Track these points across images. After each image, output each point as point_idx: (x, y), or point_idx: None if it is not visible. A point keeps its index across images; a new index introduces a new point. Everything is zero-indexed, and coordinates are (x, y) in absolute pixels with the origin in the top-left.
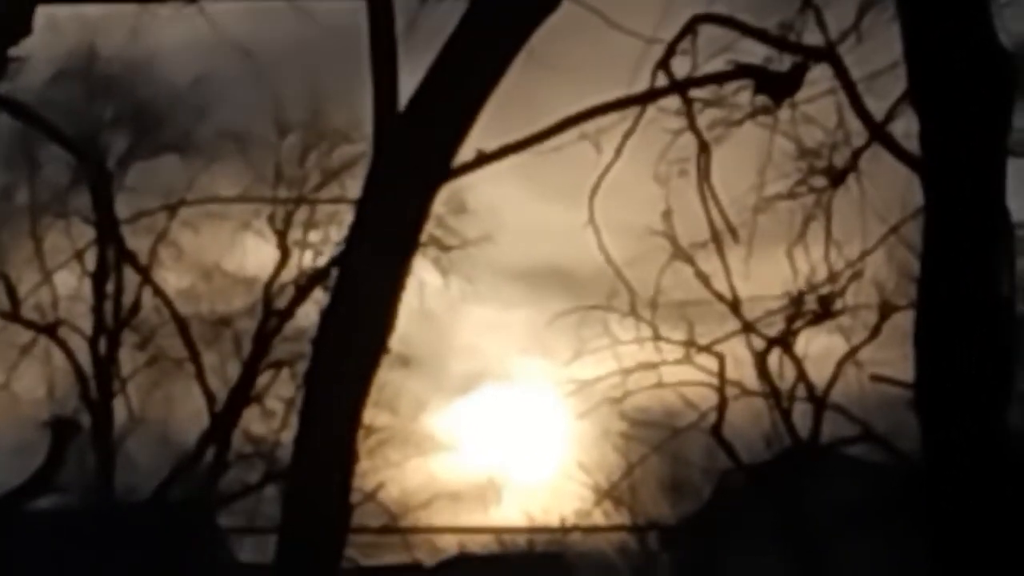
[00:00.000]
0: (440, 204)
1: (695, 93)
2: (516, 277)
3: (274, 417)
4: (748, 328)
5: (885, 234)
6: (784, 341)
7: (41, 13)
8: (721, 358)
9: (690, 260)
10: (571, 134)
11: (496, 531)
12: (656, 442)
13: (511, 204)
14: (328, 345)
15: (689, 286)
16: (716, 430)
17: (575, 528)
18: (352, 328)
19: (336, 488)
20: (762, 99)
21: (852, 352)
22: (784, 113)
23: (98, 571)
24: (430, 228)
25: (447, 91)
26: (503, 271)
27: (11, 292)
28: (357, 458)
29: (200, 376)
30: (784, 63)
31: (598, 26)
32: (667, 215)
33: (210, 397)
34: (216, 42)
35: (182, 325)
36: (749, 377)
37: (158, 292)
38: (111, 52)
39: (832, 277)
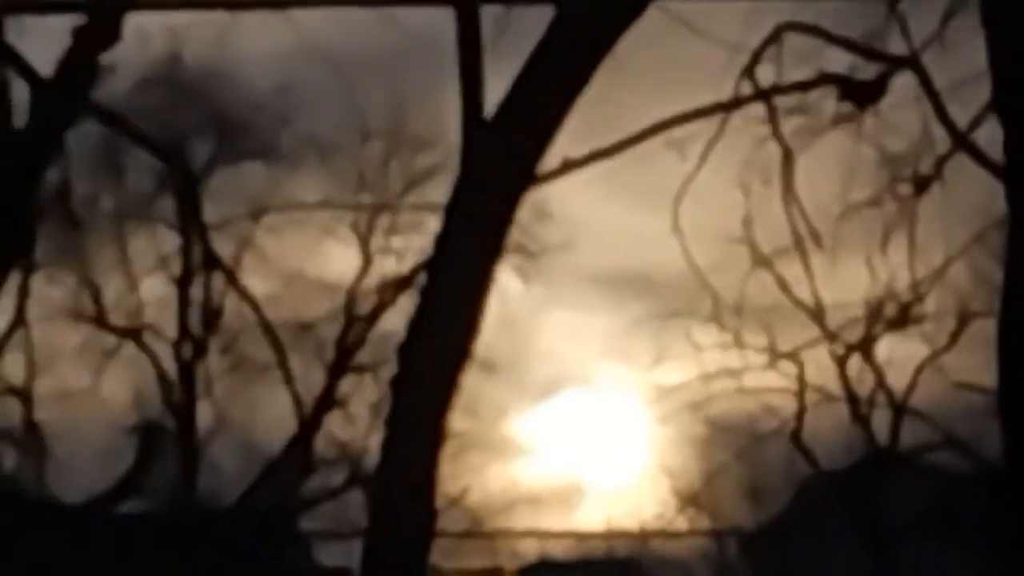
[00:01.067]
0: (524, 210)
1: (779, 101)
2: (597, 282)
3: (357, 422)
4: (828, 334)
5: (969, 242)
6: (864, 347)
7: (129, 21)
8: (801, 364)
9: (771, 267)
10: (656, 141)
11: (577, 536)
12: (736, 448)
13: (593, 210)
14: (414, 351)
15: (770, 293)
16: (796, 436)
17: (655, 533)
18: (438, 334)
19: (421, 493)
20: (846, 107)
21: (932, 358)
22: (868, 121)
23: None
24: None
25: (533, 98)
26: (585, 277)
27: (97, 298)
28: (441, 463)
29: (288, 381)
30: (868, 71)
31: (683, 33)
32: (747, 222)
33: (297, 402)
34: (300, 49)
35: (269, 329)
36: (829, 383)
37: (245, 296)
38: (197, 59)
39: (914, 284)
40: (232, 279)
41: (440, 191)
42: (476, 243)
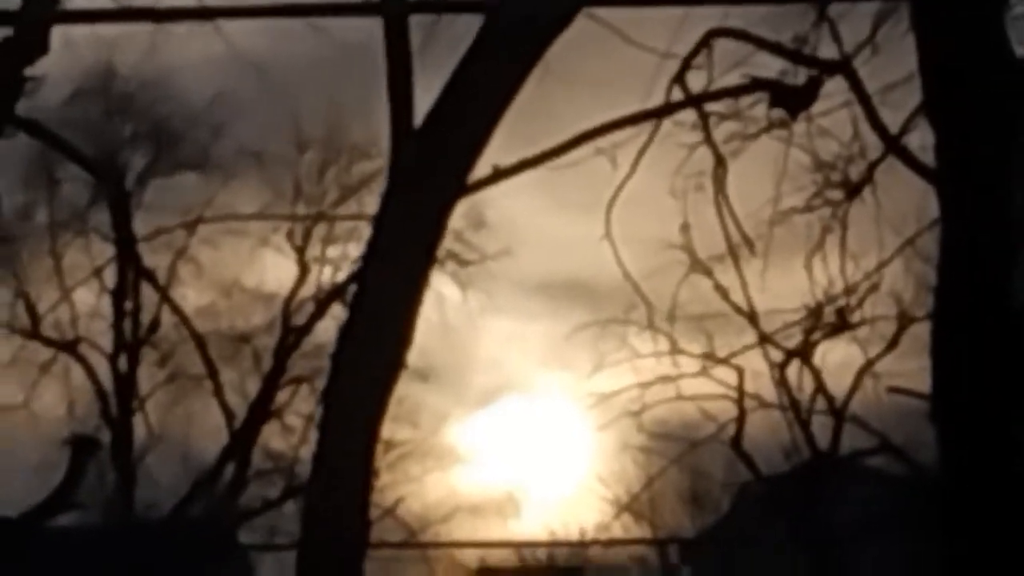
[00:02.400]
0: (459, 219)
1: (711, 107)
2: (535, 290)
3: (294, 433)
4: (766, 340)
5: (901, 246)
6: (802, 353)
7: (57, 32)
8: (740, 371)
9: (708, 273)
10: (587, 148)
11: (516, 545)
12: (675, 455)
13: (530, 218)
14: (345, 361)
15: (707, 299)
16: (735, 442)
17: (595, 541)
18: (369, 344)
19: (355, 503)
20: (777, 112)
21: (870, 364)
22: (799, 126)
23: None
24: (449, 243)
25: (463, 107)
26: (522, 284)
27: (31, 310)
28: (376, 473)
29: (218, 393)
30: (799, 76)
31: (614, 41)
32: (685, 228)
33: (228, 414)
34: (233, 59)
35: (200, 342)
36: (768, 389)
37: (176, 310)
38: (129, 70)
39: (849, 289)
40: (163, 292)
41: (376, 200)
42: (406, 252)
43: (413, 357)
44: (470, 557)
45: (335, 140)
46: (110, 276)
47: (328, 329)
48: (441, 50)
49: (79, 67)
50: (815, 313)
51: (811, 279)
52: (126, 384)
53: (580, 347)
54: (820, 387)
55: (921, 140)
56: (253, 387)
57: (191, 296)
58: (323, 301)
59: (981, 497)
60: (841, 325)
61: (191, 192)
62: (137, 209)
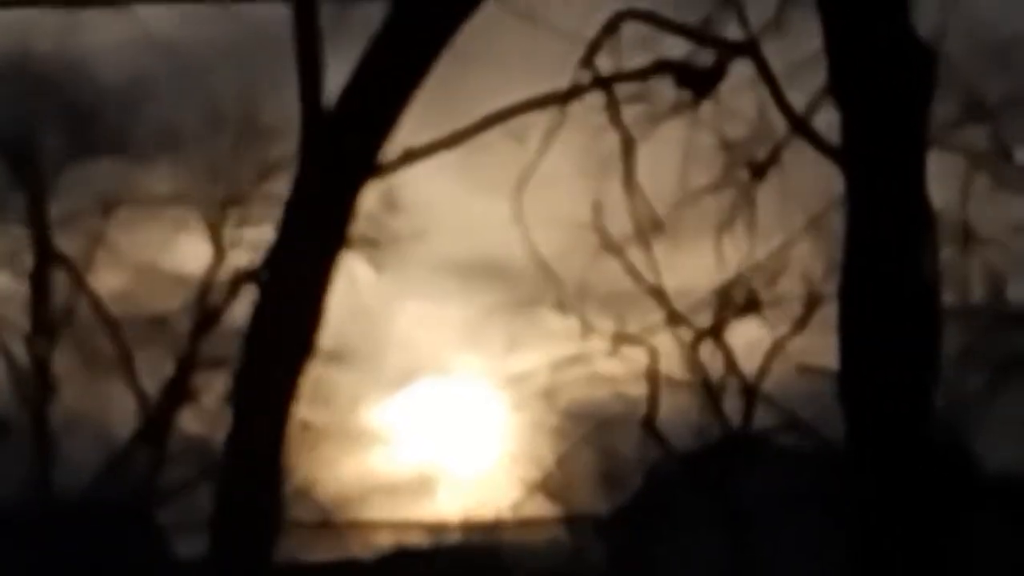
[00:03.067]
0: (372, 201)
1: (619, 89)
2: (449, 271)
3: (209, 415)
4: (677, 319)
5: (805, 225)
6: (713, 332)
7: None
8: (651, 350)
9: (618, 253)
10: (498, 131)
11: (431, 526)
12: (588, 434)
13: (444, 200)
14: (257, 343)
15: (618, 279)
16: (647, 421)
17: (509, 521)
18: (280, 326)
19: (268, 484)
20: (685, 94)
21: (780, 342)
22: (707, 107)
23: (35, 570)
24: (362, 225)
25: (372, 89)
26: (436, 266)
27: None
28: (289, 454)
29: (131, 376)
30: (706, 58)
31: (522, 24)
32: (595, 209)
33: (141, 396)
34: (148, 43)
35: (114, 326)
36: (680, 368)
37: (90, 293)
38: (43, 54)
39: (758, 268)
40: (76, 275)
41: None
42: (316, 235)
43: (328, 339)
44: (385, 537)
45: (250, 123)
46: (26, 260)
47: (243, 312)
48: (350, 34)
49: None
50: (725, 292)
51: (720, 259)
52: (42, 367)
53: (494, 328)
54: (731, 366)
55: (827, 120)
56: (170, 370)
57: (108, 279)
58: (237, 283)
59: (887, 473)
60: (751, 304)
61: (107, 175)
62: (53, 193)
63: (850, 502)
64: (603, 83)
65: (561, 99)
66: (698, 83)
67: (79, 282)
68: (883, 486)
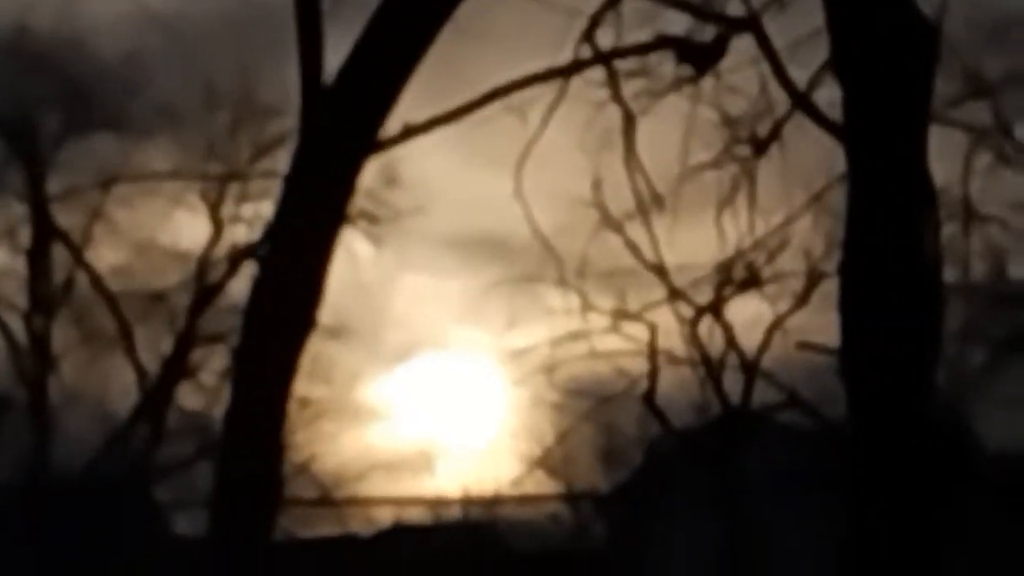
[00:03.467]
0: (371, 176)
1: (619, 64)
2: (449, 247)
3: (208, 391)
4: (677, 296)
5: (807, 202)
6: (713, 308)
7: None
8: (651, 326)
9: (619, 229)
10: (498, 106)
11: (430, 502)
12: (588, 410)
13: (444, 175)
14: (257, 319)
15: (618, 255)
16: (647, 398)
17: (509, 497)
18: (280, 302)
19: (267, 460)
20: (685, 69)
21: (780, 319)
22: (708, 83)
23: (35, 545)
24: (362, 201)
25: (373, 64)
26: (436, 241)
27: None
28: (289, 430)
29: (131, 351)
30: (707, 33)
31: None
32: (595, 185)
33: (141, 372)
34: (146, 19)
35: (113, 302)
36: (679, 345)
37: (88, 269)
38: (42, 30)
39: (759, 245)
40: (76, 251)
41: (289, 159)
42: (317, 210)
43: (327, 315)
44: (385, 514)
45: (248, 99)
46: (25, 236)
47: (242, 288)
48: (352, 9)
49: None
50: (725, 269)
51: (721, 235)
52: (41, 343)
53: (494, 304)
54: (731, 342)
55: (829, 96)
56: (168, 346)
57: (106, 255)
58: (236, 259)
59: (888, 451)
60: (751, 281)
61: (105, 151)
62: (51, 169)
63: (849, 479)
64: (603, 58)
65: (562, 74)
66: (699, 58)
67: (78, 258)
68: (882, 463)
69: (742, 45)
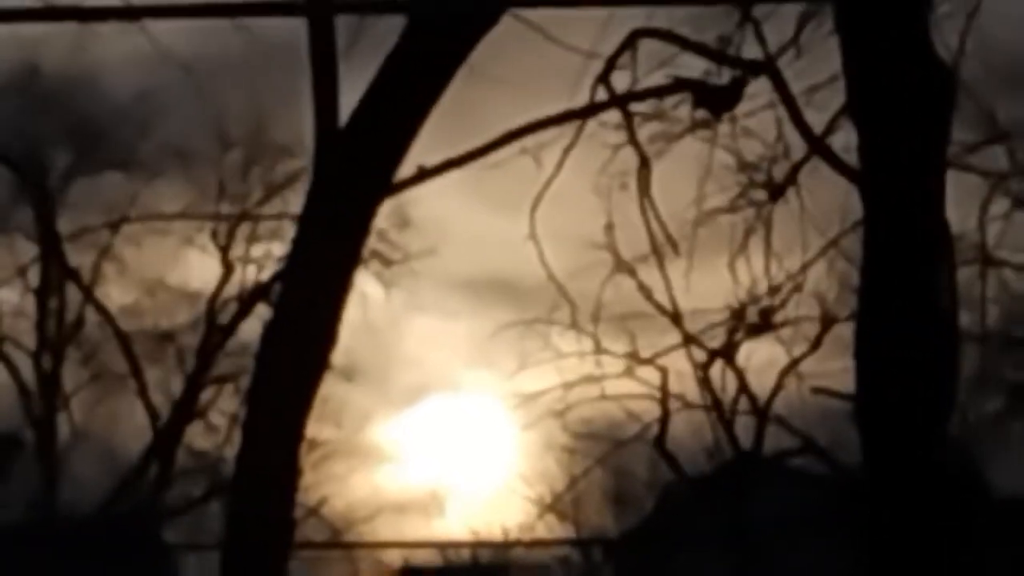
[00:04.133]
0: (383, 218)
1: (635, 107)
2: (460, 289)
3: (218, 432)
4: (690, 340)
5: (824, 247)
6: (726, 353)
7: None
8: (664, 370)
9: (632, 273)
10: (512, 148)
11: (440, 545)
12: (599, 454)
13: (456, 217)
14: (270, 360)
15: (631, 299)
16: (659, 442)
17: (519, 541)
18: (294, 343)
19: (278, 503)
20: (702, 113)
21: (793, 364)
22: (724, 127)
23: None
24: (373, 242)
25: (388, 107)
26: (447, 283)
27: None
28: (300, 472)
29: (142, 391)
30: (724, 77)
31: (539, 41)
32: (609, 228)
33: (152, 412)
34: (159, 58)
35: (124, 340)
36: (691, 389)
37: (100, 308)
38: (53, 69)
39: (773, 289)
40: (87, 290)
41: (300, 200)
42: (331, 252)
43: (337, 356)
44: (394, 556)
45: (259, 139)
46: (34, 275)
47: (252, 328)
48: (366, 50)
49: (2, 66)
50: (739, 313)
51: (735, 279)
52: (50, 382)
53: (504, 346)
54: (743, 387)
55: (845, 141)
56: (178, 386)
57: (115, 295)
58: (247, 300)
59: (903, 497)
60: (764, 325)
61: (116, 191)
62: (61, 208)
63: (864, 526)
64: (619, 101)
65: (577, 117)
66: (715, 102)
67: (88, 297)
68: (897, 510)
69: (759, 89)
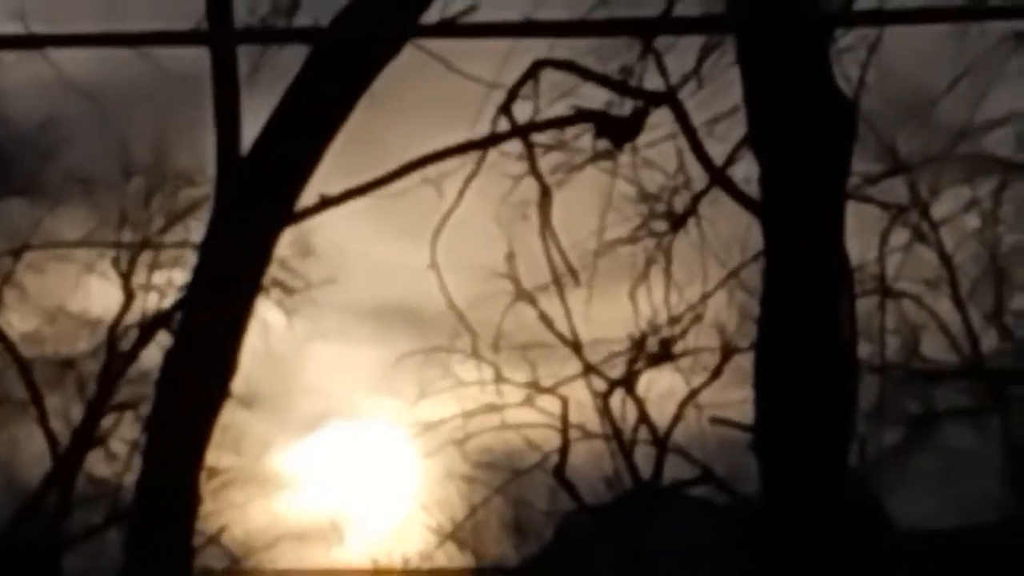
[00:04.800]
0: (285, 246)
1: (537, 137)
2: (362, 317)
3: (118, 459)
4: (590, 369)
5: (724, 278)
6: (626, 382)
7: None
8: (564, 400)
9: (533, 302)
10: (415, 177)
11: (340, 573)
12: (499, 483)
13: (358, 245)
14: (170, 388)
15: (532, 328)
16: (559, 471)
17: (419, 570)
18: (195, 371)
19: (178, 530)
20: (603, 143)
21: (693, 394)
22: (625, 157)
23: None
24: (275, 271)
25: (289, 135)
26: (349, 311)
27: None
28: (200, 500)
29: (42, 419)
30: (625, 108)
31: (442, 71)
32: (510, 257)
33: (52, 440)
34: (61, 85)
35: (24, 367)
36: (592, 419)
37: (0, 335)
38: None
39: (673, 319)
40: None
41: (202, 228)
42: (232, 280)
43: (238, 384)
44: None
45: (162, 167)
46: None
47: (153, 356)
48: (268, 79)
49: None
50: (639, 343)
51: (636, 309)
52: None
53: (406, 374)
54: (643, 417)
55: (746, 172)
56: (78, 413)
57: (16, 322)
58: (148, 328)
59: (802, 528)
60: (665, 355)
61: (17, 218)
62: None
63: (764, 556)
64: (521, 131)
65: (478, 147)
66: (617, 133)
67: None
68: (797, 540)
69: (660, 120)
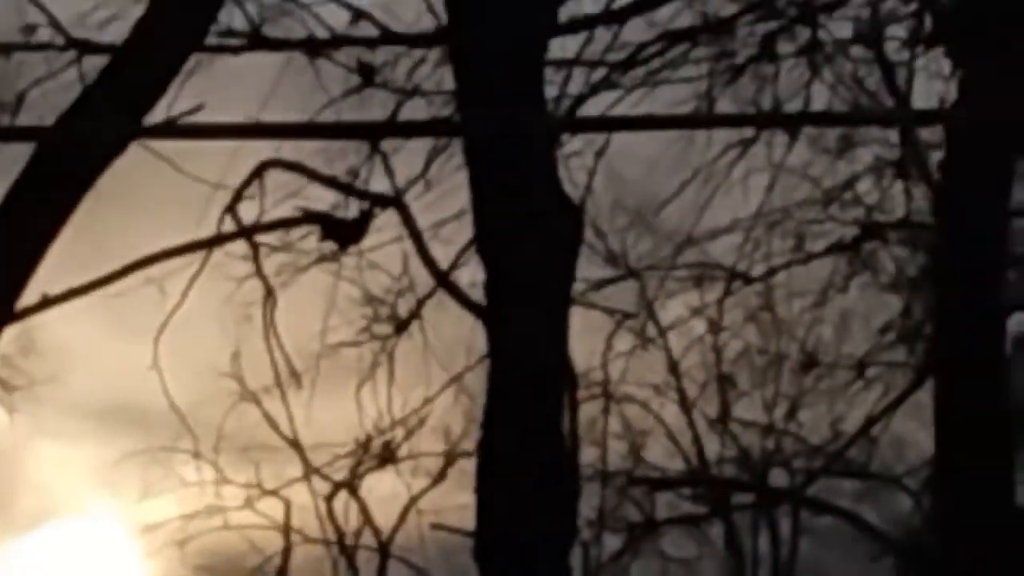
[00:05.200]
0: (7, 344)
1: (262, 238)
2: (85, 415)
3: None
4: (313, 471)
5: (448, 381)
6: (349, 485)
7: None
8: (286, 502)
9: (257, 402)
10: (138, 277)
11: None
12: None
13: (81, 343)
14: None
15: (257, 429)
16: (281, 574)
17: None
18: None
19: None
20: (328, 245)
21: (415, 499)
22: (350, 259)
23: None
24: None
25: (11, 234)
26: (73, 409)
27: None
28: None
29: None
30: (352, 209)
31: (167, 170)
32: (235, 358)
33: None
34: None
35: None
36: (315, 522)
37: None
38: None
39: (397, 423)
40: None
41: None
42: None
43: None
44: None
45: None
46: None
47: None
48: None
49: None
50: (363, 446)
51: (360, 412)
52: None
53: (129, 474)
54: (367, 520)
55: (471, 276)
56: None
57: None
58: None
59: None
60: (388, 458)
61: None
62: None
63: None
64: (246, 232)
65: (203, 247)
66: (342, 235)
67: None
68: None
69: (386, 222)
